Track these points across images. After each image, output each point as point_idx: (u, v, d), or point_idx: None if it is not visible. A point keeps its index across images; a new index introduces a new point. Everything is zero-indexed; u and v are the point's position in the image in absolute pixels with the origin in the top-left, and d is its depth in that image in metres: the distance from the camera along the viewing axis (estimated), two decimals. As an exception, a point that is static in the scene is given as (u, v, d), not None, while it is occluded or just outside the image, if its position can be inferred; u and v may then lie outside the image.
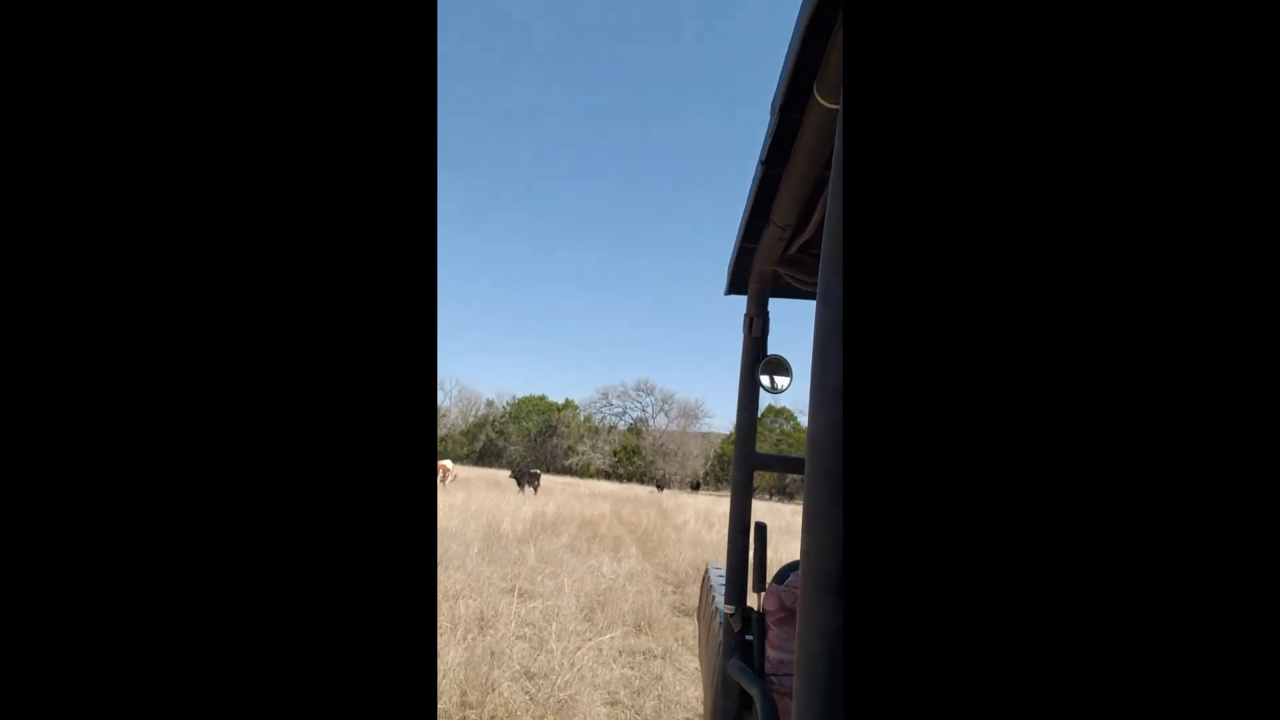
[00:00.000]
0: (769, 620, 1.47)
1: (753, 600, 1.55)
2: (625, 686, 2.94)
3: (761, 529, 1.50)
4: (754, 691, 1.36)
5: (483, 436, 51.95)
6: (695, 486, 32.21)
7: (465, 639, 3.20)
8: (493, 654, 2.99)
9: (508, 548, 6.39)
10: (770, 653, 1.45)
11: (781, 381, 1.58)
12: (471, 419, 54.46)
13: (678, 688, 3.01)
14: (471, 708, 2.47)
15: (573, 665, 2.95)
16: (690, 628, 4.06)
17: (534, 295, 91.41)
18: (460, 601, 3.90)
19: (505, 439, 50.71)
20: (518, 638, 3.40)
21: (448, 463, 16.88)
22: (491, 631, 3.42)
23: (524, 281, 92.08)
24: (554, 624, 3.60)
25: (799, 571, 0.77)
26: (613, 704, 2.74)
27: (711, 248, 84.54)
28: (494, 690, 2.56)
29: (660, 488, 31.00)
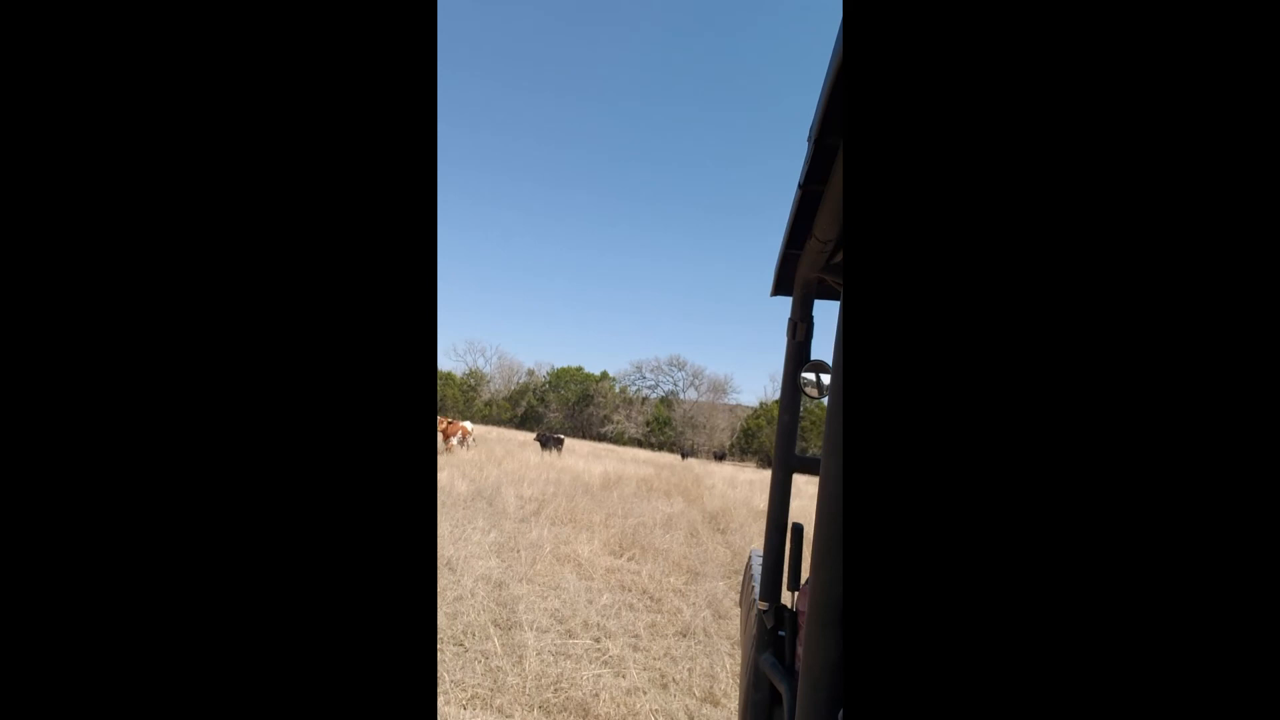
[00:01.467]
0: (801, 620, 1.47)
1: (787, 598, 1.59)
2: (685, 548, 6.05)
3: (798, 530, 1.51)
4: (783, 688, 1.38)
5: (524, 403, 55.89)
6: (719, 457, 35.08)
7: (618, 528, 6.41)
8: (631, 534, 6.18)
9: (597, 494, 9.56)
10: (801, 650, 1.37)
11: (824, 385, 1.52)
12: (514, 386, 58.45)
13: (710, 546, 6.18)
14: (636, 546, 5.65)
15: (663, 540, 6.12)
16: (708, 534, 7.18)
17: (572, 267, 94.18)
18: (600, 515, 7.12)
19: (545, 406, 54.54)
20: (632, 532, 6.53)
21: (467, 424, 16.56)
22: (617, 527, 6.56)
23: (563, 254, 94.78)
24: (644, 531, 6.72)
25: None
26: (687, 546, 5.84)
27: (759, 236, 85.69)
28: (635, 544, 5.74)
29: (684, 456, 33.99)
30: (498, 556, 4.95)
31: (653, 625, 3.82)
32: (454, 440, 15.84)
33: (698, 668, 3.19)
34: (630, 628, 3.72)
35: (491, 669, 2.91)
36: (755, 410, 50.53)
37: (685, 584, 4.91)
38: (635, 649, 3.40)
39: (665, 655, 3.34)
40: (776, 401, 49.03)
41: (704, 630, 3.79)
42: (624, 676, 3.00)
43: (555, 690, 2.77)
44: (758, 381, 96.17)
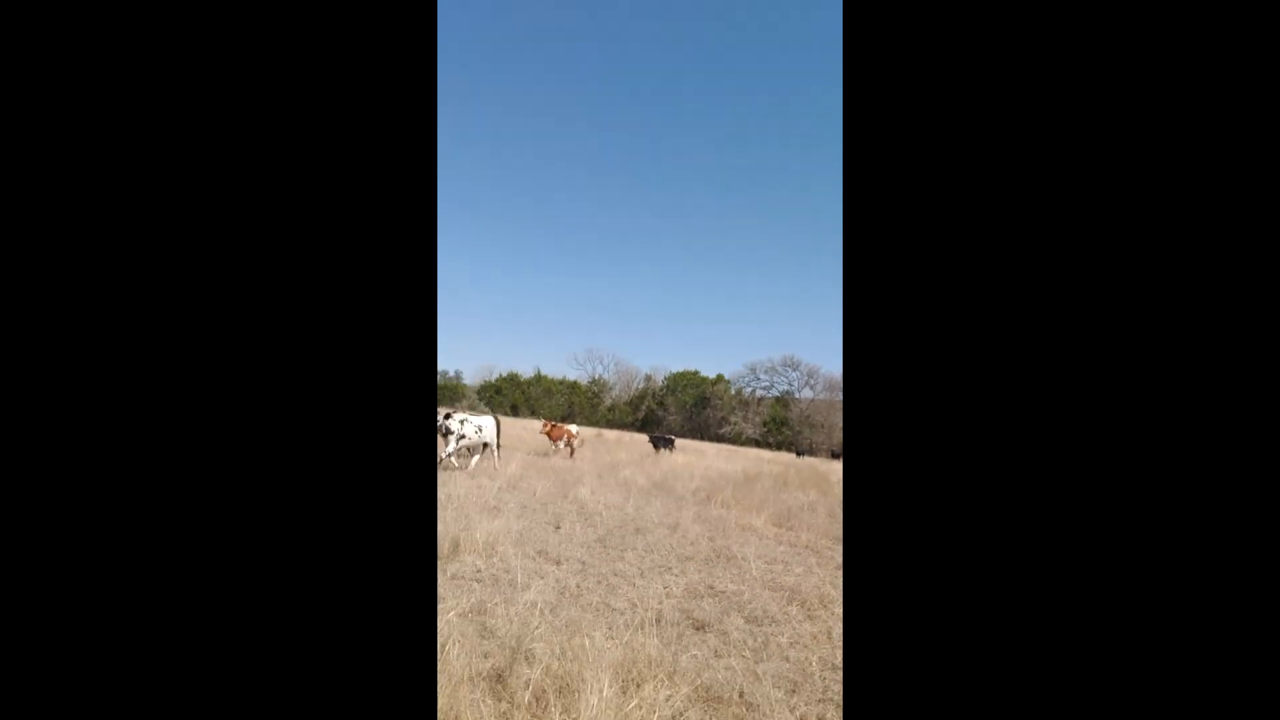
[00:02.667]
0: None
1: None
2: (827, 523, 7.98)
3: None
4: None
5: (644, 407, 59.14)
6: (835, 455, 35.66)
7: (771, 509, 8.50)
8: (785, 514, 8.24)
9: (743, 486, 11.68)
10: None
11: None
12: (634, 391, 61.99)
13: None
14: (791, 521, 7.72)
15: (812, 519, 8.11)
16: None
17: (674, 277, 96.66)
18: (754, 501, 9.26)
19: (664, 409, 57.41)
20: (785, 512, 8.56)
21: (572, 427, 15.05)
22: (771, 509, 8.61)
23: (668, 262, 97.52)
24: (794, 512, 8.73)
25: None
26: (828, 522, 7.76)
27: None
28: (790, 520, 7.80)
29: (799, 454, 34.91)
30: (700, 524, 7.21)
31: (819, 563, 5.87)
32: (560, 444, 14.32)
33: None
34: (805, 563, 5.81)
35: (740, 573, 5.12)
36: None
37: (832, 545, 6.88)
38: (809, 573, 5.49)
39: (829, 579, 5.40)
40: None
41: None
42: (812, 576, 5.10)
43: (773, 579, 4.93)
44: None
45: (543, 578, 4.31)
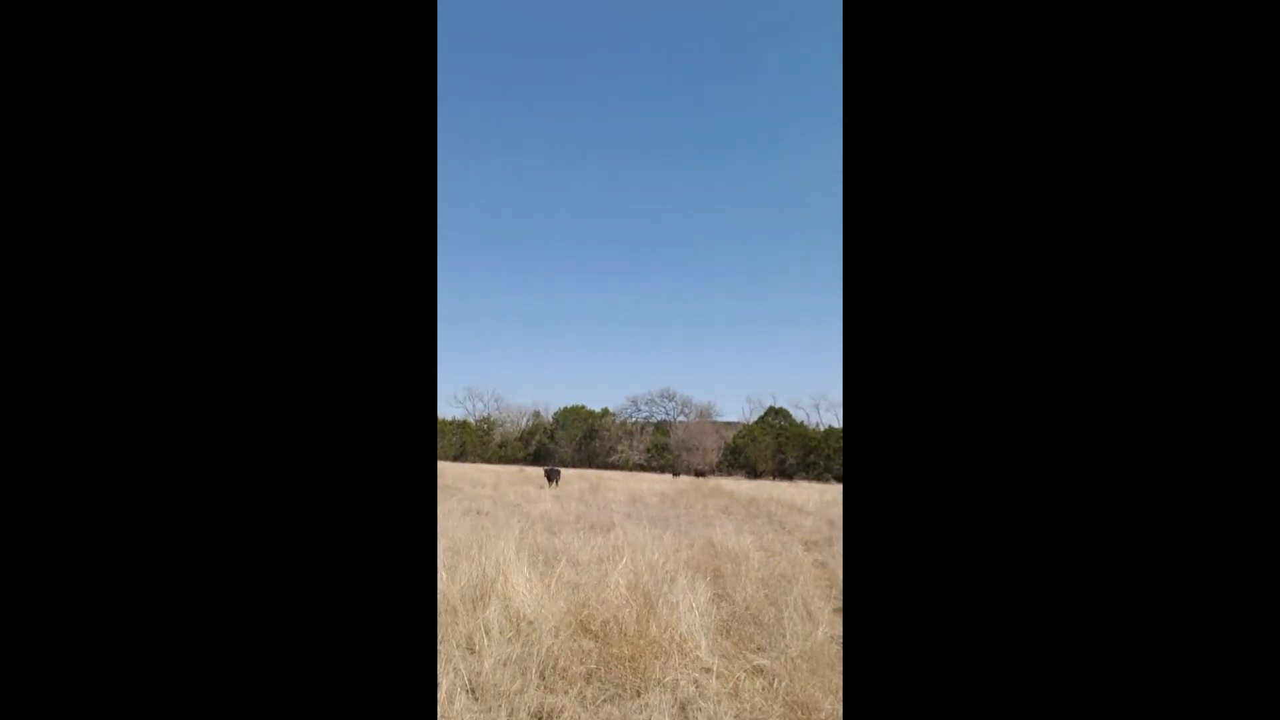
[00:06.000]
0: None
1: None
2: (743, 515, 13.67)
3: None
4: None
5: (535, 441, 63.06)
6: (699, 474, 42.70)
7: (682, 508, 14.09)
8: (709, 516, 13.88)
9: (671, 499, 17.11)
10: None
11: None
12: (523, 427, 65.68)
13: (751, 512, 13.95)
14: (720, 515, 13.36)
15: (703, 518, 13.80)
16: (741, 508, 14.88)
17: (561, 310, 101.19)
18: (678, 511, 14.83)
19: (555, 443, 61.78)
20: (709, 514, 14.13)
21: None
22: (699, 509, 14.16)
23: (550, 300, 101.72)
24: (716, 511, 14.34)
25: None
26: (743, 515, 13.40)
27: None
28: (718, 515, 13.47)
29: (675, 474, 41.53)
30: (679, 531, 12.41)
31: (760, 538, 11.28)
32: None
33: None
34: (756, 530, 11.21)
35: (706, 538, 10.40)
36: (740, 430, 58.51)
37: (740, 523, 12.43)
38: (763, 548, 10.93)
39: (757, 542, 10.92)
40: (757, 421, 56.85)
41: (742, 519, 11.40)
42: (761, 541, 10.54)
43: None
44: (735, 403, 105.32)
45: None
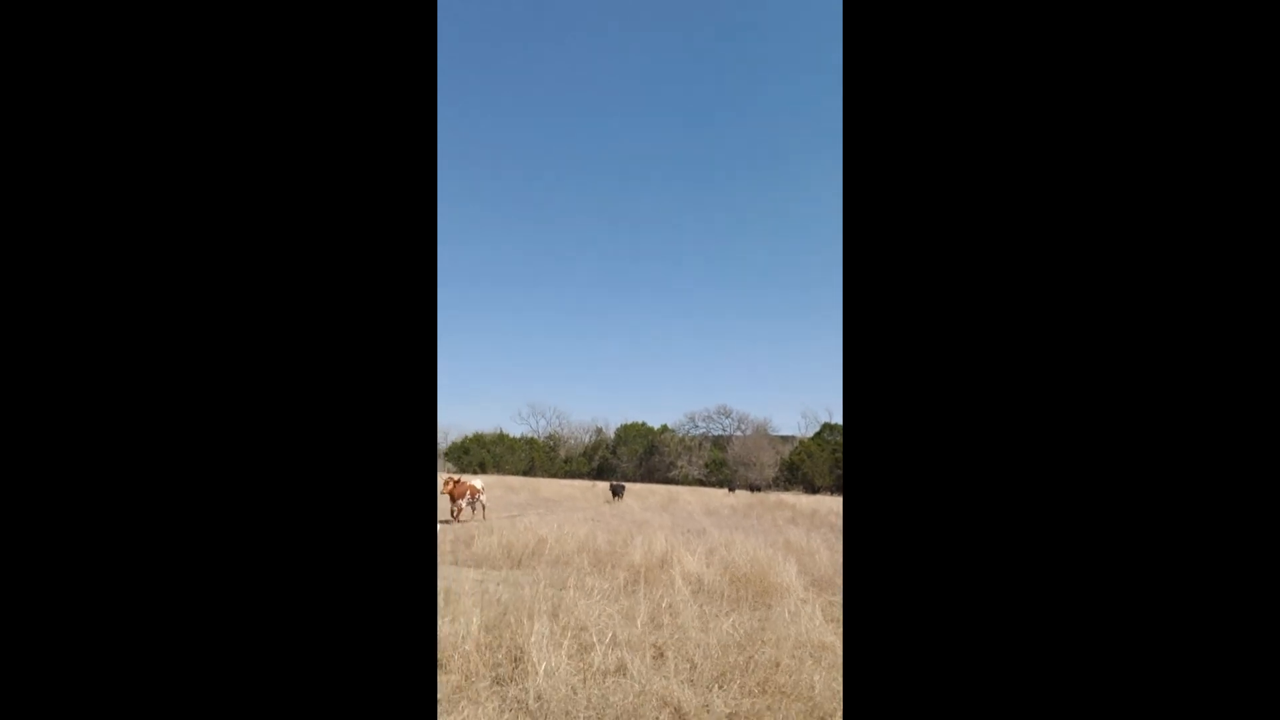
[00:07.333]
0: None
1: None
2: (810, 525, 16.15)
3: None
4: None
5: (598, 456, 66.44)
6: (754, 488, 44.57)
7: (769, 520, 16.65)
8: (778, 527, 16.39)
9: (743, 511, 19.62)
10: None
11: None
12: (586, 443, 69.25)
13: (812, 524, 16.39)
14: (788, 523, 15.88)
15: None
16: (804, 520, 17.28)
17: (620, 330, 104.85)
18: (759, 519, 17.38)
19: (617, 458, 64.94)
20: (776, 524, 16.64)
21: (477, 482, 13.01)
22: (768, 520, 16.65)
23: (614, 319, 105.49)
24: (783, 522, 16.82)
25: None
26: (809, 525, 15.84)
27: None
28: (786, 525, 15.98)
29: (731, 489, 43.45)
30: (759, 535, 14.93)
31: (825, 540, 13.71)
32: (462, 503, 12.09)
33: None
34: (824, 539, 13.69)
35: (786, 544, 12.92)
36: (796, 446, 60.01)
37: (807, 531, 14.86)
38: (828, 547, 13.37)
39: (824, 543, 13.32)
40: (814, 437, 58.23)
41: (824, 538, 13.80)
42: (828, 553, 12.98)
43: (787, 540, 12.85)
44: (790, 418, 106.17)
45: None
